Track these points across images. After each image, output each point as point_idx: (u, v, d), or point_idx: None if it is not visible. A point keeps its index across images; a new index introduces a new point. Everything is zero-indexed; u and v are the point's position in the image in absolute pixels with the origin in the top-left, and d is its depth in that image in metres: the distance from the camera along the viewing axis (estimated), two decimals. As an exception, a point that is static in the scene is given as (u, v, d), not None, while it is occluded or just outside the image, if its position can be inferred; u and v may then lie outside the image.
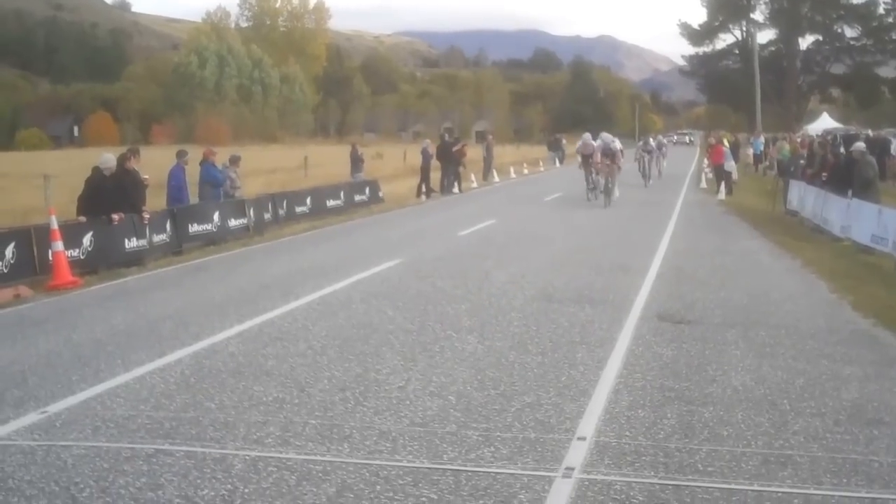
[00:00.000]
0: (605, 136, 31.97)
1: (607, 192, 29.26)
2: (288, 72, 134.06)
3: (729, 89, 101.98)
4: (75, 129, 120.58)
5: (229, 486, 5.94)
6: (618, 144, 31.65)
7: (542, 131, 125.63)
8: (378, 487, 5.86)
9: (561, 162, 65.42)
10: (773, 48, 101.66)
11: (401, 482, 5.95)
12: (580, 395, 7.90)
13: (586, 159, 31.85)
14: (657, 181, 41.98)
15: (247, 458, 6.46)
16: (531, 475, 6.04)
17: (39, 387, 8.54)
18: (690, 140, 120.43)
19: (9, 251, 15.15)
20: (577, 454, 6.42)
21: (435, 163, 36.88)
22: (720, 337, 10.25)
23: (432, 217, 27.22)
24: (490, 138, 51.44)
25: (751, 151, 54.63)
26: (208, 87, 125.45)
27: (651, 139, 46.61)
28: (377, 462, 6.32)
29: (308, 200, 27.91)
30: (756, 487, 5.81)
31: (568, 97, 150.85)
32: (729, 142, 41.59)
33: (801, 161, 27.86)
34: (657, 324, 10.98)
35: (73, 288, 15.04)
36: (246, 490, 5.86)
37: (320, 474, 6.12)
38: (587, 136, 33.17)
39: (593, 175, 31.31)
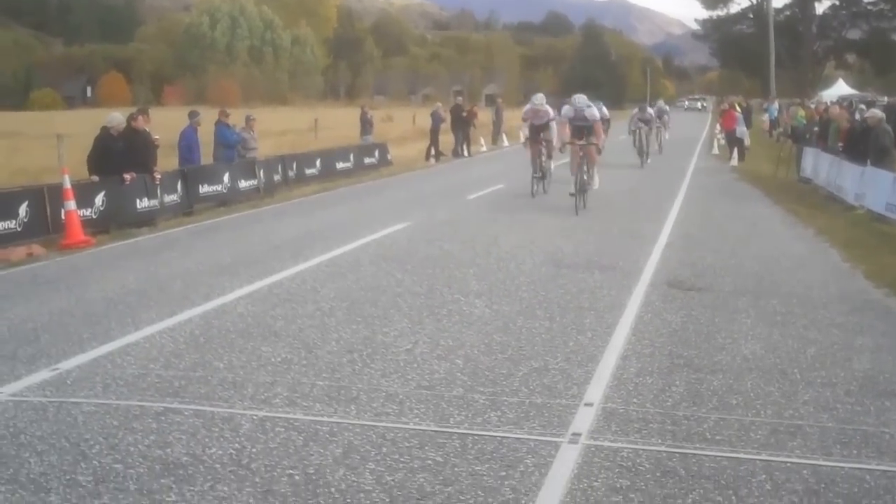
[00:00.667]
0: (579, 98, 20.28)
1: (581, 187, 18.92)
2: (299, 33, 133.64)
3: (743, 54, 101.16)
4: (88, 89, 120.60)
5: (237, 445, 5.97)
6: (597, 112, 20.82)
7: (553, 95, 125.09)
8: (384, 449, 5.88)
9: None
10: (788, 12, 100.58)
11: (407, 444, 5.97)
12: (588, 361, 7.90)
13: (536, 134, 22.05)
14: (657, 158, 34.58)
15: (254, 417, 6.48)
16: (537, 440, 6.05)
17: (51, 344, 8.59)
18: (703, 106, 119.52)
19: (22, 210, 15.24)
20: (583, 420, 6.42)
21: (444, 126, 36.82)
22: (730, 305, 10.22)
23: (441, 180, 27.20)
24: (500, 102, 51.27)
25: (765, 117, 54.31)
26: (219, 48, 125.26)
27: (649, 106, 37.90)
28: (384, 424, 6.33)
29: (318, 162, 27.91)
30: (764, 457, 5.80)
31: (579, 61, 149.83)
32: (741, 107, 41.18)
33: (815, 128, 27.70)
34: (667, 291, 10.95)
35: (86, 247, 15.10)
36: (253, 449, 5.89)
37: (327, 435, 6.14)
38: (539, 97, 22.41)
39: (543, 158, 21.96)
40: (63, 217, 15.58)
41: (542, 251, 13.73)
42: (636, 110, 35.89)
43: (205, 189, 20.90)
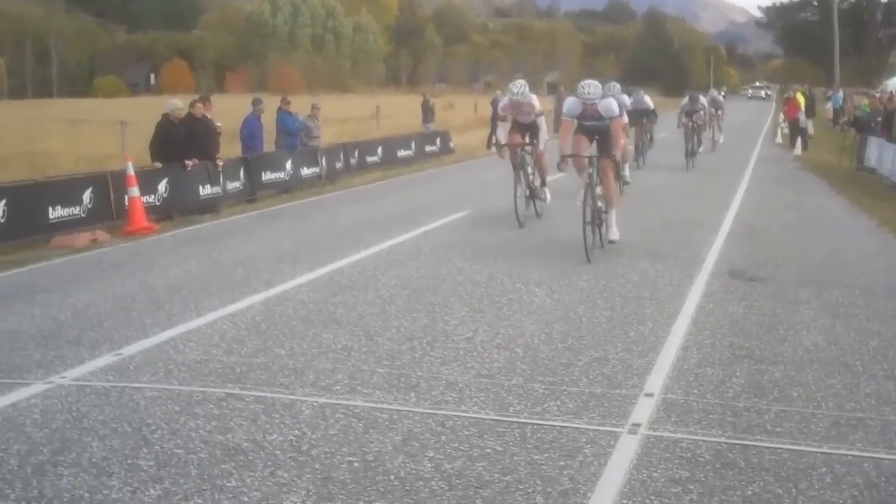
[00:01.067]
0: (589, 87, 12.70)
1: (593, 216, 12.59)
2: (360, 21, 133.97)
3: (807, 42, 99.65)
4: (152, 76, 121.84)
5: (297, 431, 6.02)
6: (614, 105, 12.95)
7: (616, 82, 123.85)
8: (444, 437, 5.90)
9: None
10: (853, 0, 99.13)
11: (466, 433, 5.98)
12: (648, 351, 7.86)
13: (520, 136, 15.61)
14: (710, 156, 29.49)
15: (315, 404, 6.53)
16: (597, 430, 6.03)
17: (114, 329, 8.72)
18: (766, 94, 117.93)
19: (86, 196, 15.47)
20: (643, 410, 6.40)
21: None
22: (792, 296, 10.11)
23: (502, 168, 26.98)
24: (562, 90, 51.02)
25: (829, 106, 53.50)
26: (281, 36, 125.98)
27: (701, 95, 30.58)
28: (443, 412, 6.36)
29: (379, 150, 27.99)
30: (825, 450, 5.75)
31: (641, 49, 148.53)
32: (804, 95, 40.51)
33: (879, 118, 27.27)
34: (728, 281, 10.86)
35: (149, 233, 15.30)
36: (313, 436, 5.94)
37: (387, 422, 6.17)
38: (518, 85, 15.10)
39: (529, 169, 15.57)
40: (126, 203, 15.79)
41: (603, 240, 13.65)
42: (686, 100, 28.75)
43: (267, 176, 21.07)
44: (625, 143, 17.13)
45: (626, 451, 5.67)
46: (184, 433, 6.01)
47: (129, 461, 5.56)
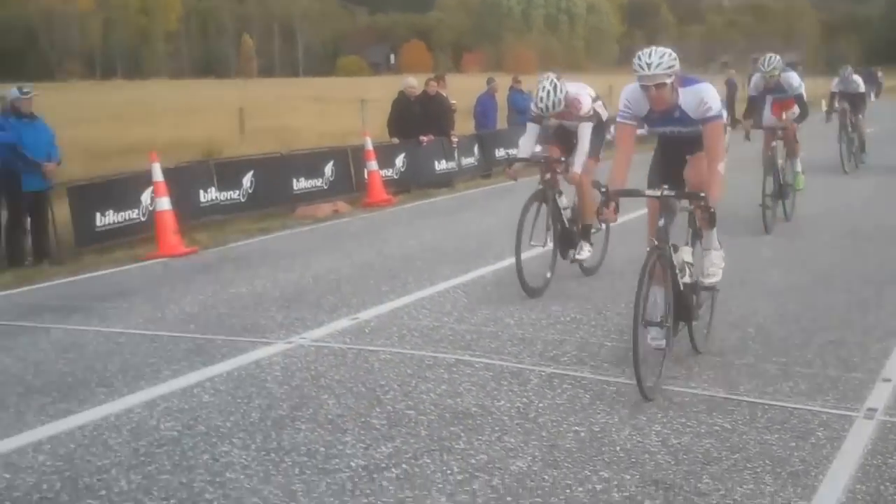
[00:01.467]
0: (649, 54, 6.78)
1: (669, 307, 6.45)
2: (594, 1, 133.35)
3: None
4: (391, 56, 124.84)
5: (524, 399, 6.12)
6: (714, 100, 6.86)
7: (857, 63, 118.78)
8: (671, 413, 5.87)
9: (876, 96, 61.67)
10: None
11: (694, 409, 5.93)
12: (887, 336, 7.54)
13: (557, 148, 10.61)
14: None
15: (542, 373, 6.61)
16: (830, 413, 5.86)
17: (352, 295, 9.08)
18: None
19: (328, 169, 16.11)
20: (880, 395, 6.17)
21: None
22: None
23: (734, 149, 26.42)
24: (799, 69, 49.20)
25: None
26: (516, 16, 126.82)
27: (854, 74, 20.60)
28: (671, 388, 6.31)
29: (612, 129, 27.68)
30: None
31: (884, 27, 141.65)
32: None
33: None
34: (978, 268, 10.30)
35: (387, 205, 15.83)
36: (540, 404, 6.02)
37: (614, 395, 6.20)
38: (547, 89, 10.07)
39: (563, 204, 10.03)
40: (366, 177, 16.32)
41: (842, 222, 13.19)
42: (836, 80, 20.66)
43: (501, 153, 21.29)
44: (799, 145, 13.87)
45: (860, 436, 5.50)
46: (415, 395, 6.20)
47: (363, 419, 5.79)
